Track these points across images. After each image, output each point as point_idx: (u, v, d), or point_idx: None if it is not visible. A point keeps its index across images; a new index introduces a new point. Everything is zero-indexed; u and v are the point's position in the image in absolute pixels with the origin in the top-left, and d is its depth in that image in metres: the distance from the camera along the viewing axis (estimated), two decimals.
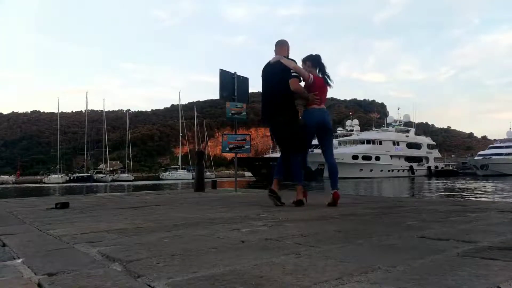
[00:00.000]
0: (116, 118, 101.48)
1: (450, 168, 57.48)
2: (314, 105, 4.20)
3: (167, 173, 62.20)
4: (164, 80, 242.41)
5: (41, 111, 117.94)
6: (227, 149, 6.77)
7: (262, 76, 4.37)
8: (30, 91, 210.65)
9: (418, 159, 52.70)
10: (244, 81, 7.11)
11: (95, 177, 53.32)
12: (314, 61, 4.32)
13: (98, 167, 61.85)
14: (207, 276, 1.31)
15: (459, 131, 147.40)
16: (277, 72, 4.18)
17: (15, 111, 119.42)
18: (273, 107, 4.24)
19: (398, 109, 65.04)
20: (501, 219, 2.86)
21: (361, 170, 44.14)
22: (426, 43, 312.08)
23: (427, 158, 54.54)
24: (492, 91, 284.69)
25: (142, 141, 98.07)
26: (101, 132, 61.63)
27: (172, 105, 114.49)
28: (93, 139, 64.84)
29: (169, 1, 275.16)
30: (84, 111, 72.65)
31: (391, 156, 48.38)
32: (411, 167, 50.09)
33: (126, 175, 59.84)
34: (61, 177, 53.32)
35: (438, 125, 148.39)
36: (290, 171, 4.27)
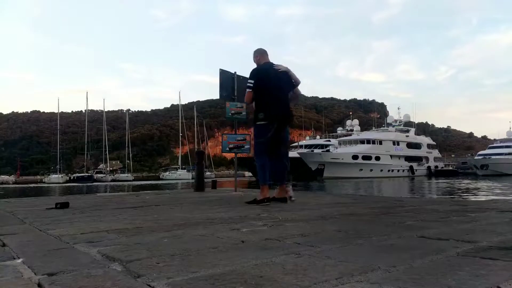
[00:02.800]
0: (116, 118, 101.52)
1: (450, 168, 57.47)
2: None
3: (167, 173, 62.18)
4: (164, 80, 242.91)
5: (41, 111, 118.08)
6: (227, 149, 6.76)
7: (269, 76, 4.51)
8: (30, 91, 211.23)
9: (418, 159, 52.68)
10: (244, 81, 7.07)
11: (95, 177, 53.31)
12: None
13: (98, 167, 61.84)
14: (207, 276, 1.31)
15: (459, 131, 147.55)
16: (287, 81, 4.58)
17: (15, 111, 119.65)
18: (286, 110, 4.58)
19: (398, 109, 64.92)
20: (501, 219, 2.86)
21: (361, 170, 44.14)
22: (425, 43, 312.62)
23: (427, 158, 54.52)
24: (491, 91, 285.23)
25: (142, 141, 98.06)
26: (101, 132, 61.61)
27: (172, 105, 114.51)
28: (93, 139, 64.80)
29: (168, 1, 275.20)
30: (84, 111, 72.73)
31: (391, 156, 48.37)
32: (411, 167, 50.07)
33: (126, 175, 59.82)
34: (61, 177, 53.32)
35: (438, 125, 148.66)
36: (277, 172, 4.54)
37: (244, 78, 7.14)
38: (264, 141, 4.43)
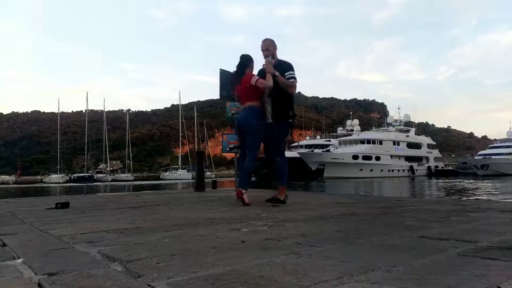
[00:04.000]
0: (116, 118, 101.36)
1: (450, 168, 57.47)
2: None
3: (167, 173, 62.21)
4: (164, 80, 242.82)
5: (41, 111, 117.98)
6: (227, 149, 6.76)
7: None
8: (30, 91, 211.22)
9: (418, 159, 52.67)
10: None
11: (95, 177, 53.32)
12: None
13: (99, 167, 61.85)
14: (207, 276, 1.31)
15: (459, 131, 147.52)
16: None
17: (15, 111, 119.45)
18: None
19: (398, 108, 65.02)
20: (501, 219, 2.86)
21: (361, 170, 44.13)
22: (425, 43, 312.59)
23: (427, 158, 54.52)
24: (491, 91, 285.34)
25: (142, 141, 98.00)
26: (101, 132, 61.63)
27: (172, 105, 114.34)
28: (93, 139, 64.79)
29: (168, 1, 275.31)
30: (84, 111, 72.74)
31: (391, 156, 48.35)
32: (411, 167, 50.05)
33: (126, 175, 59.84)
34: (62, 177, 53.33)
35: (438, 125, 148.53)
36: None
37: None
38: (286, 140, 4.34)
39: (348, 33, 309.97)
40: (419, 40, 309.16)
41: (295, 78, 4.19)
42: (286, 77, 4.14)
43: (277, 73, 4.10)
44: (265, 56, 4.27)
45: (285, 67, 4.19)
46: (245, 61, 4.33)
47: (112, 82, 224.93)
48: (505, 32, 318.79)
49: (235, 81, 4.39)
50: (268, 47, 4.28)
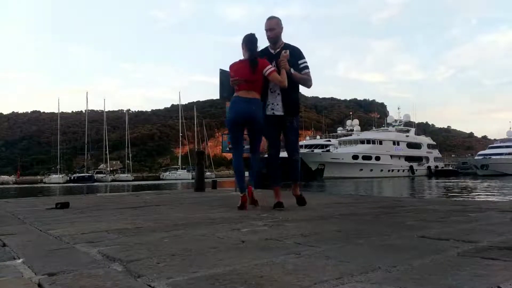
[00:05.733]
0: (116, 118, 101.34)
1: (450, 168, 57.51)
2: (236, 93, 3.77)
3: (167, 173, 62.28)
4: (164, 80, 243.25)
5: (41, 111, 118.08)
6: (227, 149, 6.75)
7: None
8: (30, 91, 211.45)
9: (418, 159, 52.69)
10: None
11: (95, 177, 53.34)
12: (244, 42, 3.79)
13: (99, 167, 61.86)
14: (207, 276, 1.31)
15: (459, 131, 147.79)
16: None
17: (15, 111, 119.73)
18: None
19: (398, 109, 65.21)
20: (501, 219, 2.86)
21: (361, 170, 44.14)
22: (424, 43, 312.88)
23: (427, 158, 54.54)
24: (491, 91, 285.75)
25: (142, 141, 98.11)
26: (101, 132, 61.68)
27: (172, 105, 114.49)
28: (93, 139, 64.79)
29: (168, 1, 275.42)
30: (84, 111, 72.85)
31: (391, 156, 48.36)
32: (411, 167, 50.07)
33: (126, 175, 59.90)
34: (62, 177, 53.34)
35: (438, 125, 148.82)
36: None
37: None
38: None
39: (348, 33, 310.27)
40: (419, 40, 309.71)
41: (308, 67, 3.82)
42: (300, 66, 3.77)
43: (292, 70, 3.69)
44: (269, 37, 3.77)
45: (297, 55, 3.78)
46: (256, 45, 3.72)
47: (112, 82, 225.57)
48: (505, 32, 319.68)
49: (240, 64, 3.77)
50: (273, 26, 3.74)
